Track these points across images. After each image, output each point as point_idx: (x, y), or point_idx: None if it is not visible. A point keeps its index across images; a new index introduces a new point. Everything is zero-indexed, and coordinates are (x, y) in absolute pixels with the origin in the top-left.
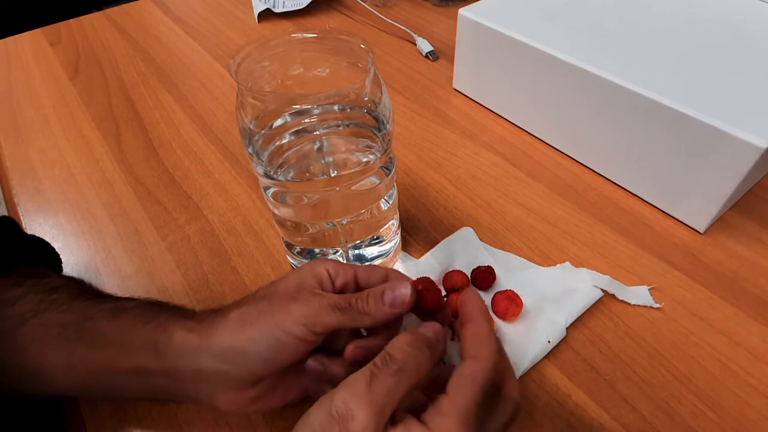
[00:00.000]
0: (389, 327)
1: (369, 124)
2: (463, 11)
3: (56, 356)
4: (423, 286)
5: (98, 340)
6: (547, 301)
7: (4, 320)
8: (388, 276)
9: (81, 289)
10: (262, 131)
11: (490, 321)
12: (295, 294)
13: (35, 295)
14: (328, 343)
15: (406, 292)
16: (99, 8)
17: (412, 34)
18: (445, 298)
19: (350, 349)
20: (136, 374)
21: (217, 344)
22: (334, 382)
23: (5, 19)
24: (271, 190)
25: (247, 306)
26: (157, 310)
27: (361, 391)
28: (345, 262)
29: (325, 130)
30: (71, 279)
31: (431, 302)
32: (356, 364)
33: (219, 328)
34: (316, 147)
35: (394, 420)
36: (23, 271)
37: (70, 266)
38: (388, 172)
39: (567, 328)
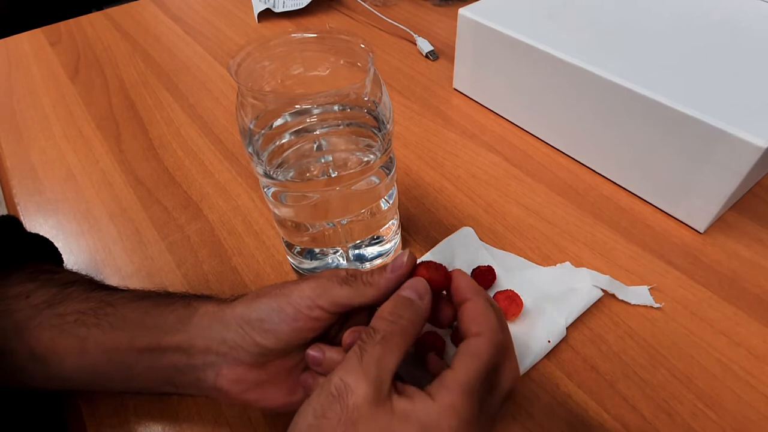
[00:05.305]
0: None
1: (369, 123)
2: (463, 11)
3: (70, 340)
4: (421, 264)
5: (117, 323)
6: (547, 301)
7: (18, 312)
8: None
9: (96, 283)
10: (262, 131)
11: (486, 297)
12: (307, 277)
13: (50, 289)
14: (333, 336)
15: (403, 257)
16: (99, 8)
17: (412, 33)
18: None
19: (347, 334)
20: (148, 352)
21: (234, 313)
22: None
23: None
24: (271, 190)
25: (265, 288)
26: (181, 295)
27: (353, 365)
28: (345, 261)
29: (325, 130)
30: (84, 275)
31: (428, 276)
32: None
33: (238, 302)
34: (315, 147)
35: (398, 391)
36: (35, 267)
37: (70, 266)
38: (388, 172)
39: (567, 328)
